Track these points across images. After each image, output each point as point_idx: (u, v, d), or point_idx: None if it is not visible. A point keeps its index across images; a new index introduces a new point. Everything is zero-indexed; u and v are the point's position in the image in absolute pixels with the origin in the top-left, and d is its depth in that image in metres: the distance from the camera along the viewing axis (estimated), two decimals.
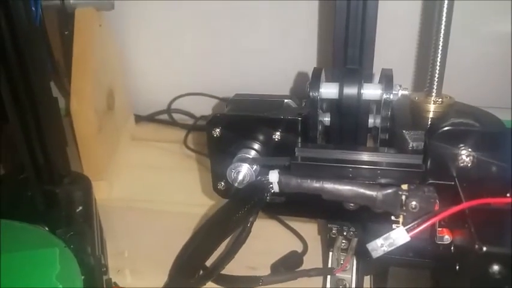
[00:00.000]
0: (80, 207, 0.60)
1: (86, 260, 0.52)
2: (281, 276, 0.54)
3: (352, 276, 0.53)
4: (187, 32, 0.87)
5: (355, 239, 0.52)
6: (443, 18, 0.45)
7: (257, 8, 0.81)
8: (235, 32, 0.85)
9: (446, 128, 0.38)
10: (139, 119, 0.92)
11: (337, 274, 0.53)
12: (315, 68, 0.46)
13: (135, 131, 0.90)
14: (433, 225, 0.38)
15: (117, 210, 0.71)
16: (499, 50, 0.75)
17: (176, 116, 0.93)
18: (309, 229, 0.64)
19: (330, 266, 0.53)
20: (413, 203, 0.38)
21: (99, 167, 0.74)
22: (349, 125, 0.47)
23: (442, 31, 0.46)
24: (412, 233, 0.36)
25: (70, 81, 0.69)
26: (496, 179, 0.38)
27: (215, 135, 0.47)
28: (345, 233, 0.52)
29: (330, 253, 0.53)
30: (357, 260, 0.53)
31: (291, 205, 0.45)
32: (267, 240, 0.62)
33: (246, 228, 0.52)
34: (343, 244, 0.53)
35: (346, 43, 0.48)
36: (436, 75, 0.47)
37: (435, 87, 0.48)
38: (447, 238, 0.38)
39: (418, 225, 0.36)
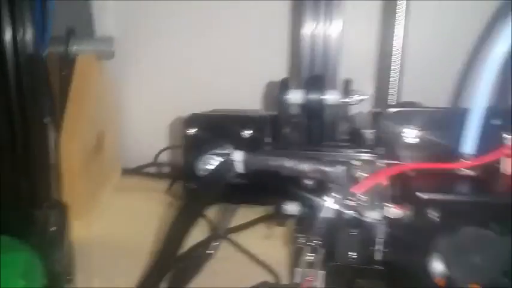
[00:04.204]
0: (54, 228, 0.61)
1: (50, 269, 0.53)
2: None
3: None
4: (171, 85, 0.92)
5: (322, 251, 0.52)
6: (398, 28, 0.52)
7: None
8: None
9: (394, 109, 0.42)
10: (125, 172, 0.94)
11: None
12: (282, 78, 0.52)
13: (121, 181, 0.92)
14: None
15: (93, 248, 0.70)
16: None
17: (164, 169, 0.95)
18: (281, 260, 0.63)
19: (295, 281, 0.53)
20: (366, 175, 0.40)
21: (81, 206, 0.75)
22: (316, 128, 0.51)
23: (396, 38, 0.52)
24: None
25: (62, 118, 0.73)
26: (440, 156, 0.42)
27: (190, 134, 0.50)
28: (311, 243, 0.52)
29: (296, 268, 0.53)
30: (324, 274, 0.52)
31: (251, 192, 0.47)
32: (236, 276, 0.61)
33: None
34: (309, 257, 0.53)
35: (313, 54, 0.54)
36: (392, 84, 0.52)
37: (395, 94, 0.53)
38: (399, 213, 0.40)
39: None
